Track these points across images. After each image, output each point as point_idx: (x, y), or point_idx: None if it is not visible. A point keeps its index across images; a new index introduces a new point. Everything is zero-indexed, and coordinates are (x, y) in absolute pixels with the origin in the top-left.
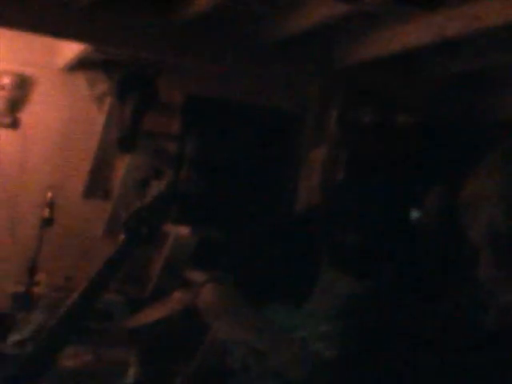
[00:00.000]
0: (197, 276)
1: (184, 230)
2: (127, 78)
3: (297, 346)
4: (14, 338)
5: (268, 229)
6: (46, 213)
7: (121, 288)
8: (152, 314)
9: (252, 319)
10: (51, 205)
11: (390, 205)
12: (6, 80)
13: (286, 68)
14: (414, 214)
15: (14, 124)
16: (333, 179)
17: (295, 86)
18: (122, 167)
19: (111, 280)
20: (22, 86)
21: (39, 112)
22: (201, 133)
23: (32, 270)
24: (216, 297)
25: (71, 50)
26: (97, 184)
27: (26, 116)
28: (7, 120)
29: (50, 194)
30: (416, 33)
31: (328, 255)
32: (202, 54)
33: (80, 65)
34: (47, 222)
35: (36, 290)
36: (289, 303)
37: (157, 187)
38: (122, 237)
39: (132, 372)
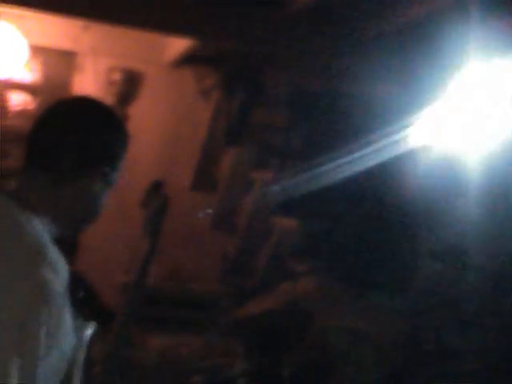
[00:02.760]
0: (302, 268)
1: (289, 223)
2: (235, 72)
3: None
4: None
5: (368, 221)
6: None
7: (227, 279)
8: (259, 306)
9: (352, 305)
10: None
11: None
12: (116, 76)
13: (392, 61)
14: None
15: (123, 119)
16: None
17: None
18: (229, 160)
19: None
20: (131, 82)
21: (147, 107)
22: (306, 126)
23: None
24: (315, 287)
25: (179, 45)
26: (204, 176)
27: (134, 111)
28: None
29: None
30: None
31: (427, 246)
32: (311, 47)
33: (187, 60)
34: None
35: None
36: (387, 293)
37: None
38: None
39: (239, 362)
